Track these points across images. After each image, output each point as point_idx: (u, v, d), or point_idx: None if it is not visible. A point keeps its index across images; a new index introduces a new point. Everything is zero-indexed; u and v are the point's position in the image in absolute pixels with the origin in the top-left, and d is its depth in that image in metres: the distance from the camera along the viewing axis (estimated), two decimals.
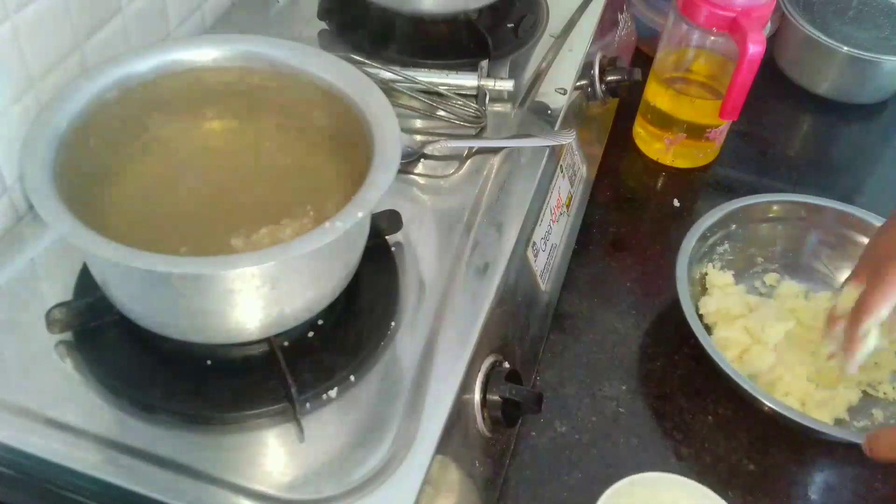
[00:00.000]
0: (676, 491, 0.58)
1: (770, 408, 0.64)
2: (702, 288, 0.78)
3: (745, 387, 0.65)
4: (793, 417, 0.64)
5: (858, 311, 0.64)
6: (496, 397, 0.58)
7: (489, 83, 0.76)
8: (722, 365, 0.66)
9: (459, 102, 0.75)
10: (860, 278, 0.67)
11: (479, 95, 0.76)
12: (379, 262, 0.61)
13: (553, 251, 0.75)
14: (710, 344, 0.68)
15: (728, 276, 0.78)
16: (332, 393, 0.54)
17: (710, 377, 0.72)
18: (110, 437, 0.51)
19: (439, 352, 0.57)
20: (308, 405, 0.53)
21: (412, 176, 0.70)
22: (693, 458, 0.68)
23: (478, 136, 0.74)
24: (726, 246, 0.79)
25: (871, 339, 0.64)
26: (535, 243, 0.70)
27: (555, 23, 0.87)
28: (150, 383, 0.54)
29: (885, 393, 0.72)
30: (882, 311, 0.63)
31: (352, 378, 0.55)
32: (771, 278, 0.81)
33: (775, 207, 0.81)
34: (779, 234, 0.82)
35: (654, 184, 0.94)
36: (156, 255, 0.46)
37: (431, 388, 0.55)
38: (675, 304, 0.71)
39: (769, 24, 1.00)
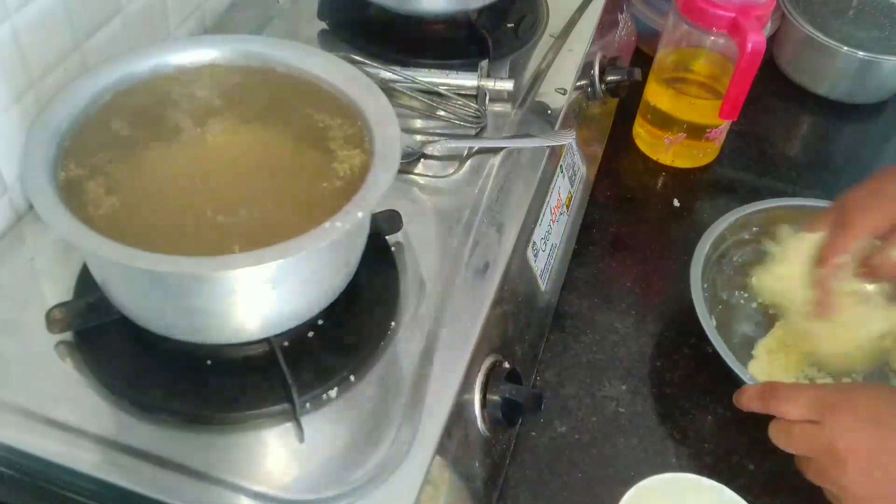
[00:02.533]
0: (700, 492, 0.58)
1: None
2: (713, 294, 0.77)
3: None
4: None
5: (824, 254, 0.66)
6: (496, 397, 0.58)
7: (489, 83, 0.76)
8: (732, 366, 0.66)
9: (459, 102, 0.75)
10: (821, 226, 0.68)
11: (479, 95, 0.76)
12: (379, 262, 0.61)
13: (553, 251, 0.75)
14: (728, 353, 0.67)
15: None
16: (332, 393, 0.54)
17: (710, 377, 0.72)
18: (110, 437, 0.51)
19: (439, 352, 0.57)
20: (308, 405, 0.53)
21: (412, 176, 0.70)
22: (693, 458, 0.68)
23: (478, 136, 0.74)
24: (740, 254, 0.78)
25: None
26: (535, 243, 0.70)
27: (555, 23, 0.87)
28: (150, 383, 0.54)
29: None
30: (846, 253, 0.65)
31: (352, 378, 0.55)
32: None
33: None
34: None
35: (654, 184, 0.94)
36: (156, 255, 0.46)
37: (431, 388, 0.55)
38: (676, 304, 0.71)
39: (769, 24, 1.00)
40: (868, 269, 0.67)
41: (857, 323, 0.69)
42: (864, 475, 0.55)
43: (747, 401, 0.62)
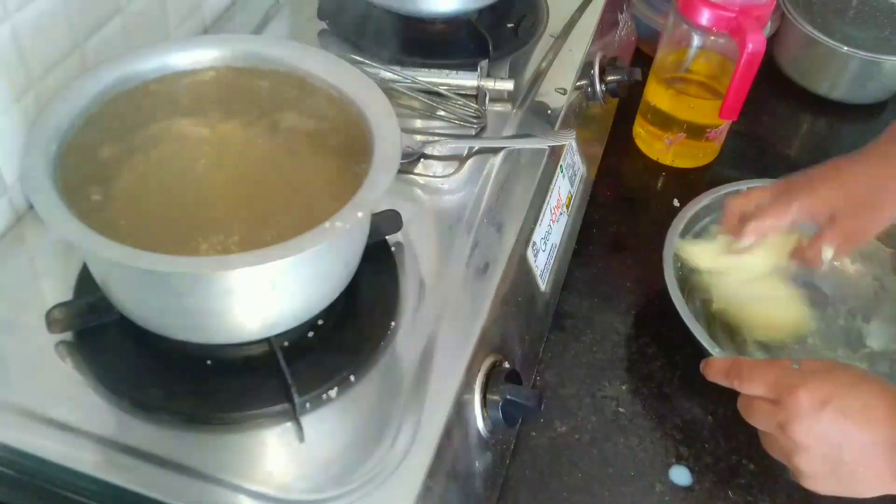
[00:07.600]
0: None
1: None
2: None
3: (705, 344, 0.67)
4: None
5: (758, 213, 0.69)
6: (496, 397, 0.58)
7: (489, 83, 0.76)
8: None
9: (459, 102, 0.75)
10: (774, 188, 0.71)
11: (479, 95, 0.76)
12: (379, 262, 0.61)
13: (553, 251, 0.75)
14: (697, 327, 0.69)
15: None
16: (332, 393, 0.54)
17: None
18: (110, 437, 0.51)
19: (439, 352, 0.57)
20: (308, 405, 0.53)
21: (412, 176, 0.70)
22: (693, 458, 0.68)
23: (478, 136, 0.74)
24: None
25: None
26: (535, 243, 0.70)
27: (555, 23, 0.87)
28: (150, 383, 0.54)
29: None
30: (782, 221, 0.68)
31: (352, 378, 0.55)
32: None
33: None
34: None
35: (654, 184, 0.94)
36: (156, 255, 0.46)
37: (431, 388, 0.55)
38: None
39: (769, 24, 1.00)
40: (800, 259, 0.70)
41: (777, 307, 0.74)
42: (817, 458, 0.55)
43: (714, 373, 0.62)
